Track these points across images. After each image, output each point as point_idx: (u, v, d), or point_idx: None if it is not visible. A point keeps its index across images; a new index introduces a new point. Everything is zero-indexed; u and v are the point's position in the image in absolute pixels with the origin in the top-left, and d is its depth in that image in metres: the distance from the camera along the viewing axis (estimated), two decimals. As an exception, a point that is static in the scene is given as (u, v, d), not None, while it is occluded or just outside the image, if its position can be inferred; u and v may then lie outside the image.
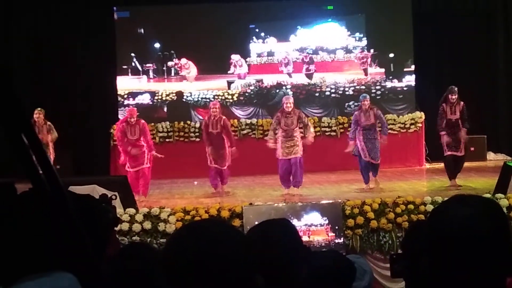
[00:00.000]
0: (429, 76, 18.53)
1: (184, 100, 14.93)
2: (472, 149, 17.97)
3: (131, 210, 11.06)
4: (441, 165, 16.67)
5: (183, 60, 14.96)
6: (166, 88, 14.98)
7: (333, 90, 15.40)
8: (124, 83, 14.87)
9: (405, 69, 15.62)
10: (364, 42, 15.18)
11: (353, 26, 15.05)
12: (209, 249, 1.80)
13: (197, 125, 16.82)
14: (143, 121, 13.42)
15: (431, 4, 19.54)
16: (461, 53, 19.17)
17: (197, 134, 17.08)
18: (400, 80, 15.40)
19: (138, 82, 14.67)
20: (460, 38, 19.21)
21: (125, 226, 10.76)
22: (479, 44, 19.36)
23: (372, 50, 15.76)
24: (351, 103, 15.28)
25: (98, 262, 1.49)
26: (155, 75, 14.73)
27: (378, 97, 15.58)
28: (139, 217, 10.95)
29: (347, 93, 15.30)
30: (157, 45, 16.11)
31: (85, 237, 1.48)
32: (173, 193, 14.55)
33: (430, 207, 11.01)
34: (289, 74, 15.14)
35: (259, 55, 15.34)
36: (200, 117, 14.76)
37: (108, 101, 18.14)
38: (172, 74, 14.72)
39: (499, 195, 11.17)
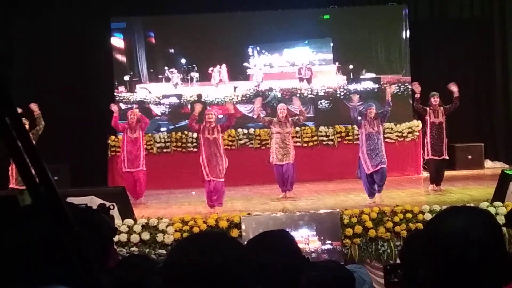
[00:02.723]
0: (426, 84, 18.55)
1: (202, 100, 18.05)
2: (469, 157, 18.02)
3: (129, 221, 11.03)
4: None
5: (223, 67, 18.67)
6: (189, 91, 18.50)
7: (309, 92, 18.63)
8: (158, 88, 18.47)
9: (360, 76, 18.66)
10: (331, 56, 18.78)
11: (322, 46, 18.86)
12: (209, 260, 1.81)
13: (195, 135, 17.10)
14: (141, 122, 15.15)
15: (427, 12, 19.62)
16: (458, 61, 19.24)
17: (194, 144, 17.25)
18: (359, 84, 18.67)
19: (168, 87, 18.53)
20: (456, 46, 19.28)
21: (123, 237, 10.73)
22: (476, 52, 19.41)
23: (337, 63, 18.71)
24: (322, 101, 18.59)
25: (99, 274, 1.48)
26: (181, 82, 18.50)
27: (341, 97, 18.59)
28: (137, 228, 10.92)
29: (319, 94, 18.60)
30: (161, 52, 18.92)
31: (85, 249, 1.47)
32: (171, 203, 14.55)
33: (428, 216, 10.98)
34: (303, 79, 18.86)
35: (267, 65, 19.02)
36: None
37: (106, 112, 18.13)
38: (194, 81, 18.50)
39: (497, 203, 11.15)
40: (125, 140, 14.90)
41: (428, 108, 14.46)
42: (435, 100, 14.37)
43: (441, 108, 14.34)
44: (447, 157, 14.49)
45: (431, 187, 14.58)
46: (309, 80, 18.80)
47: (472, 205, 10.10)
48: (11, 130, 1.31)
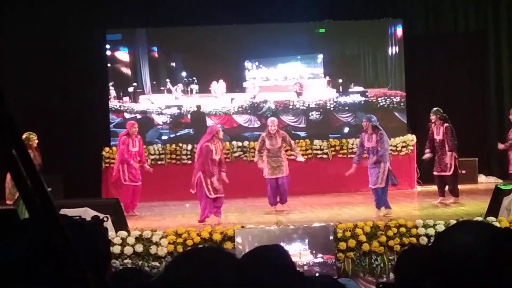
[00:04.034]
0: (420, 98, 18.65)
1: (201, 111, 19.06)
2: (463, 171, 18.03)
3: (123, 233, 11.01)
4: (433, 188, 16.76)
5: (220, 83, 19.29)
6: (189, 102, 19.18)
7: (301, 103, 19.20)
8: (161, 99, 19.20)
9: (349, 90, 19.22)
10: (321, 71, 19.39)
11: (313, 61, 19.55)
12: (205, 275, 1.81)
13: (189, 147, 17.32)
14: (139, 136, 15.26)
15: (423, 26, 19.70)
16: (452, 75, 19.30)
17: (188, 156, 17.36)
18: (347, 97, 19.26)
19: (169, 98, 19.25)
20: (451, 61, 19.35)
21: (116, 249, 10.71)
22: (470, 66, 19.48)
23: (327, 77, 19.24)
24: (313, 112, 19.16)
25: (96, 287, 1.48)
26: (182, 94, 19.27)
27: (331, 109, 19.12)
28: (130, 240, 10.90)
29: (310, 106, 19.15)
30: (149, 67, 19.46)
31: (81, 262, 1.48)
32: (165, 215, 14.52)
33: (422, 230, 11.00)
34: (298, 93, 19.41)
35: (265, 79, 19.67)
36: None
37: (100, 123, 18.19)
38: (194, 93, 19.19)
39: (491, 219, 11.15)
40: (125, 153, 14.75)
41: (431, 125, 14.73)
42: (431, 117, 14.58)
43: (443, 126, 14.42)
44: (449, 173, 14.48)
45: (439, 200, 14.70)
46: (301, 93, 19.27)
47: (480, 219, 10.12)
48: (17, 161, 1.36)
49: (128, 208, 14.17)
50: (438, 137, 14.54)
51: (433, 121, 14.57)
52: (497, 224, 10.76)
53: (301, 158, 14.72)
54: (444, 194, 14.69)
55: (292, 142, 15.01)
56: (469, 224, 2.08)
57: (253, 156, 17.12)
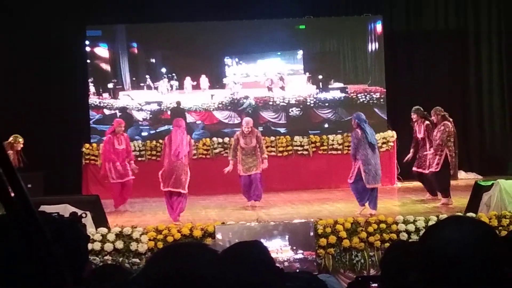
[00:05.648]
0: (401, 95, 18.70)
1: (181, 107, 19.05)
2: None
3: (103, 230, 10.98)
4: (413, 184, 16.83)
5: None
6: (169, 98, 19.16)
7: (281, 100, 19.19)
8: (141, 95, 19.14)
9: (329, 86, 19.22)
10: (301, 67, 19.41)
11: (293, 57, 19.60)
12: (186, 270, 1.80)
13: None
14: (125, 134, 15.22)
15: (403, 23, 19.76)
16: (433, 72, 19.37)
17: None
18: (327, 93, 19.24)
19: (149, 94, 19.21)
20: (431, 57, 19.41)
21: (96, 246, 10.68)
22: (450, 63, 19.57)
23: (307, 73, 19.26)
24: (293, 108, 19.15)
25: (73, 286, 1.47)
26: (162, 90, 19.28)
27: (311, 105, 19.13)
28: (111, 237, 10.87)
29: (290, 102, 19.18)
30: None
31: (59, 260, 1.46)
32: (145, 212, 14.48)
33: (402, 226, 11.03)
34: (271, 89, 19.40)
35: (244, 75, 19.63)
36: (192, 118, 18.68)
37: (80, 120, 18.11)
38: (174, 89, 19.22)
39: (470, 214, 11.20)
40: (111, 152, 14.73)
41: (413, 124, 14.76)
42: (412, 116, 14.65)
43: (424, 124, 14.45)
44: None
45: (427, 196, 14.72)
46: (282, 89, 19.26)
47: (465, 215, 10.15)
48: None
49: (118, 203, 14.51)
50: (420, 135, 14.57)
51: (414, 120, 14.62)
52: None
53: (264, 165, 14.46)
54: (432, 192, 14.63)
55: (264, 143, 14.84)
56: (458, 220, 2.08)
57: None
